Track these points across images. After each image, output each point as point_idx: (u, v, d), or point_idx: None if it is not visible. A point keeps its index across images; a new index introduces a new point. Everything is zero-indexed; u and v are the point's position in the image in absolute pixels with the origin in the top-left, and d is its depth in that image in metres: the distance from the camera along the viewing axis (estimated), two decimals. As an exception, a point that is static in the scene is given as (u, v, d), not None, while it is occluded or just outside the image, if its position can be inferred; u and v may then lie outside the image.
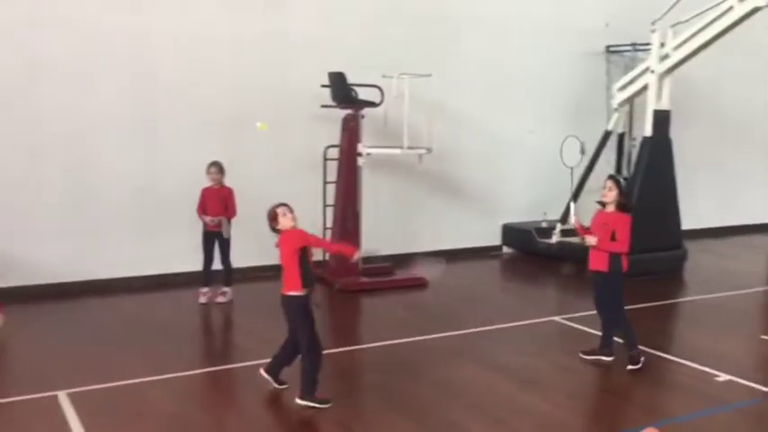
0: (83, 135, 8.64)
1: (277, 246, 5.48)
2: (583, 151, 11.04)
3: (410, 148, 9.03)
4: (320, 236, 9.41)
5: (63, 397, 5.48)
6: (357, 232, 9.21)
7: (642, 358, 6.23)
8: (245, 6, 9.39)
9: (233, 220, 8.22)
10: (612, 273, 6.20)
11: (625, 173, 10.90)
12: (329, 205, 9.59)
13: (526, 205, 11.47)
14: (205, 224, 8.15)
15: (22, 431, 5.06)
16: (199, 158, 8.34)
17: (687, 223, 10.69)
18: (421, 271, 5.66)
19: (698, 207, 12.25)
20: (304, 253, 5.39)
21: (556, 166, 11.29)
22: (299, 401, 5.39)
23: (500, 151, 11.33)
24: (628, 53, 11.47)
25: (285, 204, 5.51)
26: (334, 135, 9.40)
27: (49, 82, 8.44)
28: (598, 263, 6.26)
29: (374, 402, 5.59)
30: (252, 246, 8.11)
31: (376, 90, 8.99)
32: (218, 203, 8.10)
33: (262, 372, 5.70)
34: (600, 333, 6.56)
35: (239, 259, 8.46)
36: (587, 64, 11.76)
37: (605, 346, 6.47)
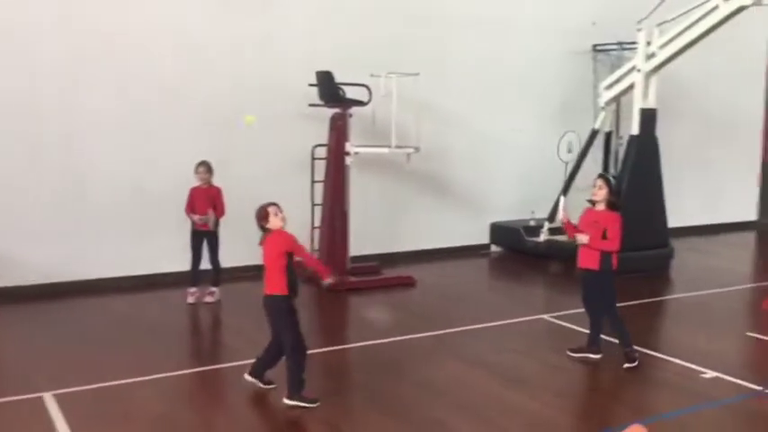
0: (72, 136, 8.59)
1: (261, 244, 5.47)
2: (570, 149, 11.09)
3: (398, 147, 9.04)
4: (310, 235, 9.45)
5: (49, 398, 5.45)
6: (345, 231, 9.21)
7: (637, 355, 6.27)
8: (234, 6, 9.36)
9: (221, 220, 8.20)
10: (603, 271, 6.23)
11: (612, 171, 10.94)
12: (317, 204, 9.58)
13: (514, 204, 11.50)
14: (193, 223, 8.13)
15: (7, 433, 5.03)
16: (187, 158, 8.31)
17: (673, 221, 10.76)
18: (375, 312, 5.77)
19: (684, 205, 12.31)
20: (291, 258, 5.39)
21: (544, 165, 11.34)
22: (286, 401, 5.38)
23: (488, 150, 11.35)
24: (614, 52, 11.51)
25: (275, 204, 5.51)
26: (322, 134, 9.39)
27: (41, 82, 8.39)
28: (588, 261, 6.28)
29: (361, 401, 5.59)
30: (240, 245, 8.07)
31: (364, 89, 8.99)
32: (206, 203, 8.08)
33: (246, 376, 5.67)
34: (587, 331, 6.59)
35: (227, 259, 8.44)
36: (574, 63, 11.80)
37: (593, 343, 6.50)
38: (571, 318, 7.51)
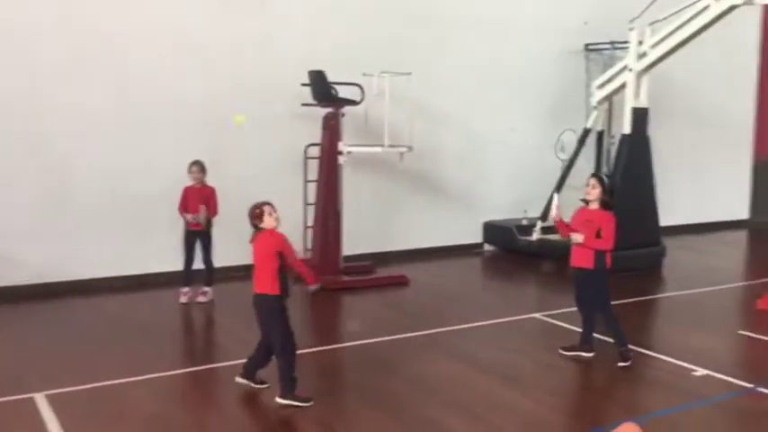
0: (65, 136, 8.57)
1: (252, 242, 5.47)
2: (563, 148, 11.13)
3: (391, 146, 9.05)
4: (303, 235, 9.46)
5: (41, 399, 5.43)
6: (338, 231, 9.21)
7: (632, 355, 6.30)
8: (228, 7, 9.35)
9: (215, 220, 8.20)
10: (598, 270, 6.26)
11: (605, 170, 10.98)
12: (310, 204, 9.58)
13: (507, 203, 11.52)
14: (187, 223, 8.12)
15: (-1, 434, 5.03)
16: (180, 158, 8.30)
17: (665, 220, 10.80)
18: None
19: (676, 204, 12.37)
20: (282, 259, 5.40)
21: (536, 164, 11.39)
22: (279, 401, 5.38)
23: (481, 149, 11.37)
24: (607, 51, 11.55)
25: (270, 204, 5.51)
26: (315, 134, 9.39)
27: (36, 82, 8.38)
28: (582, 260, 6.30)
29: (354, 400, 5.61)
30: (233, 245, 8.06)
31: (356, 88, 8.99)
32: (199, 203, 8.07)
33: (238, 378, 5.66)
34: (580, 329, 6.62)
35: (220, 259, 8.43)
36: (567, 62, 11.83)
37: (585, 341, 6.52)
38: (564, 316, 7.53)
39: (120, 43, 8.75)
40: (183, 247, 8.22)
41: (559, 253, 10.09)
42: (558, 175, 10.79)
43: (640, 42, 9.93)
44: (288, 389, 5.37)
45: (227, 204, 8.06)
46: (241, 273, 8.88)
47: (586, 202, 6.38)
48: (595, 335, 6.55)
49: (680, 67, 11.22)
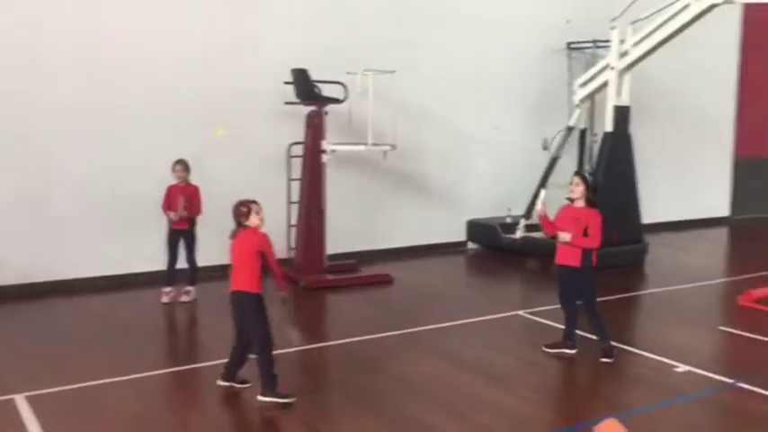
0: (47, 136, 8.50)
1: (232, 239, 5.46)
2: (546, 147, 11.17)
3: (375, 144, 9.04)
4: (286, 234, 9.44)
5: (21, 400, 5.39)
6: (322, 230, 9.20)
7: (615, 351, 6.34)
8: (209, 4, 9.31)
9: (198, 219, 8.16)
10: (584, 268, 6.29)
11: (588, 168, 11.03)
12: (294, 203, 9.56)
13: (491, 201, 11.56)
14: (170, 222, 8.08)
15: (-21, 436, 4.98)
16: (163, 157, 8.26)
17: (647, 217, 10.88)
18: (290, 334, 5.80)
19: (657, 201, 12.45)
20: (263, 258, 5.39)
21: (519, 163, 11.43)
22: (261, 399, 5.37)
23: (464, 148, 11.39)
24: (589, 50, 11.60)
25: (257, 202, 5.51)
26: (298, 132, 9.37)
27: (11, 80, 8.28)
28: (568, 258, 6.33)
29: (338, 399, 5.60)
30: (216, 244, 8.01)
31: (340, 87, 8.98)
32: (183, 202, 8.02)
33: (219, 382, 5.64)
34: (563, 326, 6.65)
35: (203, 258, 8.39)
36: (549, 61, 11.87)
37: (568, 338, 6.56)
38: (547, 314, 7.57)
39: (96, 43, 8.67)
40: (167, 246, 8.18)
41: (543, 251, 10.15)
42: (540, 173, 10.83)
43: (622, 41, 9.99)
44: (269, 386, 5.36)
45: (210, 203, 8.03)
46: (224, 272, 8.84)
47: (571, 200, 6.42)
48: (578, 332, 6.60)
49: (661, 66, 11.30)
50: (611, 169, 10.08)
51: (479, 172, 11.55)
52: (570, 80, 11.46)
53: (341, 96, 9.00)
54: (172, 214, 8.02)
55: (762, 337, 6.97)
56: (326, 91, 9.00)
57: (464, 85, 11.25)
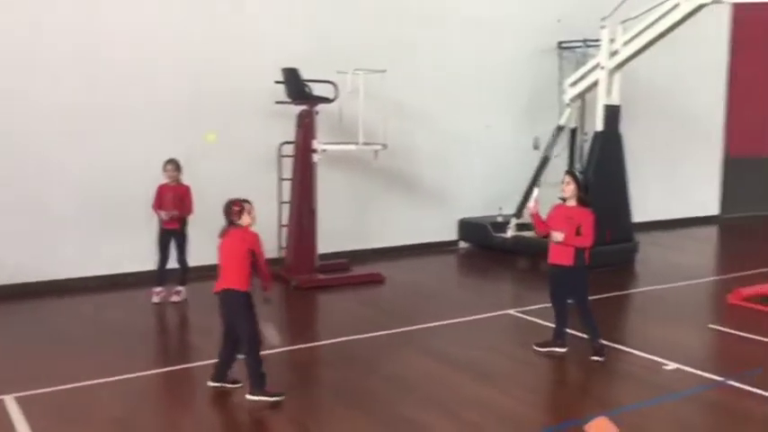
0: (37, 135, 8.46)
1: (222, 236, 5.44)
2: (536, 146, 11.20)
3: (365, 144, 9.04)
4: (277, 233, 9.43)
5: (10, 401, 5.36)
6: (313, 229, 9.19)
7: (605, 349, 6.37)
8: (202, 4, 9.28)
9: (190, 218, 8.13)
10: (577, 267, 6.31)
11: (578, 166, 11.06)
12: (285, 202, 9.55)
13: (482, 200, 11.58)
14: (161, 222, 8.06)
15: (-32, 437, 4.95)
16: (155, 157, 8.24)
17: (637, 216, 10.92)
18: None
19: (648, 200, 12.50)
20: (254, 258, 5.39)
21: (511, 162, 11.46)
22: (249, 398, 5.36)
23: (455, 147, 11.41)
24: (579, 49, 11.64)
25: (249, 202, 5.51)
26: (289, 131, 9.36)
27: (6, 79, 8.26)
28: (561, 257, 6.34)
29: (329, 399, 5.60)
30: (207, 244, 7.99)
31: (330, 86, 8.97)
32: (174, 201, 8.01)
33: (210, 383, 5.63)
34: (553, 325, 6.67)
35: (194, 258, 8.37)
36: (540, 60, 11.90)
37: (558, 337, 6.58)
38: (538, 312, 7.59)
39: (93, 43, 8.67)
40: (158, 246, 8.16)
41: (534, 249, 10.20)
42: (532, 172, 10.85)
43: (612, 40, 10.02)
44: (258, 385, 5.36)
45: (201, 203, 8.01)
46: (214, 272, 8.83)
47: (564, 199, 6.44)
48: (568, 330, 6.61)
49: (651, 65, 11.35)
50: (601, 168, 10.11)
51: (470, 171, 11.56)
52: (561, 79, 11.49)
53: (332, 96, 8.99)
54: (163, 214, 7.99)
55: (751, 335, 7.01)
56: (317, 90, 8.99)
57: (455, 84, 11.26)
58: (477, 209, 11.53)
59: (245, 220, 5.46)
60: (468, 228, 11.49)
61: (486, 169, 11.61)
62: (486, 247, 11.17)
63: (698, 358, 6.48)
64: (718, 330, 7.32)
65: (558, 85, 11.52)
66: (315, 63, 9.14)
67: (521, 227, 10.72)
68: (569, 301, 6.55)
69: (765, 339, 6.89)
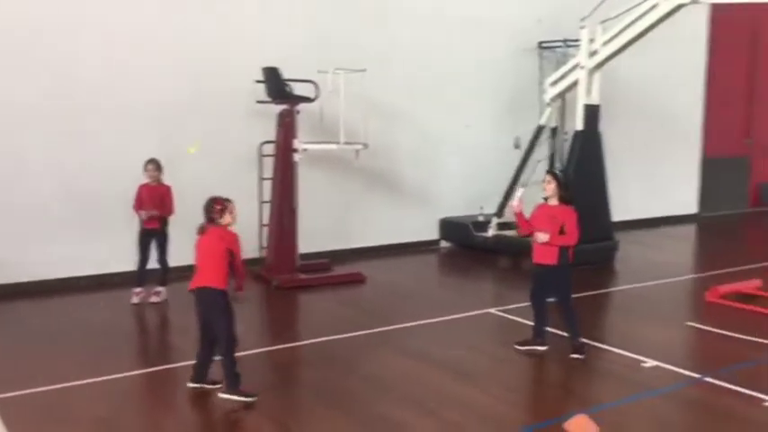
0: (18, 134, 8.38)
1: (200, 234, 5.42)
2: (517, 145, 11.23)
3: (347, 143, 9.04)
4: (258, 233, 9.40)
5: (-11, 403, 5.32)
6: (294, 229, 9.17)
7: (586, 348, 6.41)
8: (180, 5, 9.23)
9: (171, 219, 8.08)
10: (561, 265, 6.35)
11: (558, 165, 11.13)
12: (265, 202, 9.52)
13: (463, 200, 11.60)
14: (142, 222, 8.00)
15: (-56, 440, 4.89)
16: (135, 157, 8.18)
17: (617, 215, 11.00)
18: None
19: (627, 199, 12.58)
20: (231, 257, 5.38)
21: (492, 161, 11.49)
22: (223, 396, 5.35)
23: (436, 146, 11.42)
24: (559, 49, 11.70)
25: (232, 201, 5.49)
26: (270, 131, 9.33)
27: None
28: (545, 256, 6.36)
29: (309, 398, 5.60)
30: (187, 244, 7.93)
31: (311, 85, 8.95)
32: (154, 201, 7.96)
33: (189, 384, 5.60)
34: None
35: (174, 258, 8.30)
36: (521, 60, 11.94)
37: (538, 335, 6.61)
38: (519, 311, 7.61)
39: (71, 39, 8.58)
40: (138, 246, 8.10)
41: (515, 249, 10.25)
42: (512, 172, 10.89)
43: (592, 40, 10.09)
44: (233, 384, 5.35)
45: (181, 202, 7.96)
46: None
47: (546, 199, 6.48)
48: (548, 329, 6.65)
49: (631, 65, 11.44)
50: (581, 167, 10.17)
51: (452, 170, 11.59)
52: (541, 79, 11.54)
53: (312, 95, 8.97)
54: (143, 213, 7.94)
55: (728, 332, 7.08)
56: (298, 90, 8.97)
57: (436, 83, 11.27)
58: (458, 208, 11.56)
59: (226, 219, 5.45)
60: (450, 227, 11.52)
61: (468, 169, 11.64)
62: (468, 247, 11.20)
63: (676, 355, 6.54)
64: (696, 328, 7.39)
65: (538, 84, 11.58)
66: (296, 62, 9.11)
67: (502, 226, 10.76)
68: (551, 299, 6.58)
69: (742, 336, 6.96)
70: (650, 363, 6.24)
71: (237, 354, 5.49)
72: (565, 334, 6.58)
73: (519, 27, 11.79)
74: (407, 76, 10.96)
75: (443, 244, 11.63)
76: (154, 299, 8.09)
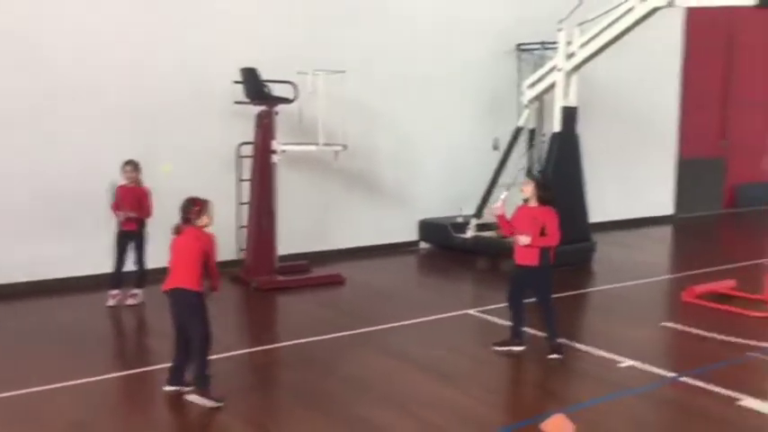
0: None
1: (176, 234, 5.38)
2: (496, 147, 11.27)
3: (326, 144, 9.03)
4: (236, 235, 9.36)
5: (-39, 408, 5.24)
6: (272, 230, 9.13)
7: (564, 348, 6.46)
8: (156, 5, 9.16)
9: (148, 221, 8.01)
10: (542, 266, 6.38)
11: (537, 166, 11.19)
12: (244, 203, 9.48)
13: (442, 201, 11.62)
14: (120, 224, 7.92)
15: None
16: (112, 157, 8.11)
17: (594, 216, 11.08)
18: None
19: (604, 200, 12.68)
20: (206, 258, 5.35)
21: (471, 163, 11.53)
22: (189, 398, 5.32)
23: (415, 148, 11.43)
24: (537, 51, 11.77)
25: (208, 201, 5.47)
26: (248, 132, 9.29)
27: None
28: (527, 258, 6.40)
29: (288, 400, 5.58)
30: (164, 246, 7.88)
31: (290, 86, 8.93)
32: (132, 202, 7.88)
33: (166, 388, 5.56)
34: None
35: (151, 260, 8.21)
36: (499, 62, 11.99)
37: (516, 336, 6.64)
38: (498, 312, 7.63)
39: (46, 40, 8.48)
40: (115, 248, 8.02)
41: (494, 250, 10.29)
42: (491, 173, 10.94)
43: (569, 42, 10.16)
44: (202, 385, 5.32)
45: (158, 204, 7.89)
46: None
47: (526, 200, 6.52)
48: (526, 329, 6.69)
49: (607, 68, 11.52)
50: (559, 169, 10.23)
51: (430, 172, 11.61)
52: (519, 81, 11.60)
53: (291, 96, 8.95)
54: (120, 214, 7.87)
55: (703, 332, 7.16)
56: (277, 91, 8.94)
57: (415, 85, 11.29)
58: (437, 209, 11.58)
59: (203, 220, 5.42)
60: (429, 228, 11.54)
61: (447, 170, 11.67)
62: (447, 248, 11.23)
63: (652, 355, 6.60)
64: (672, 328, 7.46)
65: (516, 86, 11.64)
66: (275, 63, 9.07)
67: (481, 227, 10.80)
68: (530, 300, 6.61)
69: (717, 336, 7.05)
70: (627, 362, 6.29)
71: (216, 356, 5.47)
72: (543, 334, 6.62)
73: (498, 29, 11.84)
74: (386, 78, 10.96)
75: (423, 245, 11.65)
76: (130, 301, 8.02)
